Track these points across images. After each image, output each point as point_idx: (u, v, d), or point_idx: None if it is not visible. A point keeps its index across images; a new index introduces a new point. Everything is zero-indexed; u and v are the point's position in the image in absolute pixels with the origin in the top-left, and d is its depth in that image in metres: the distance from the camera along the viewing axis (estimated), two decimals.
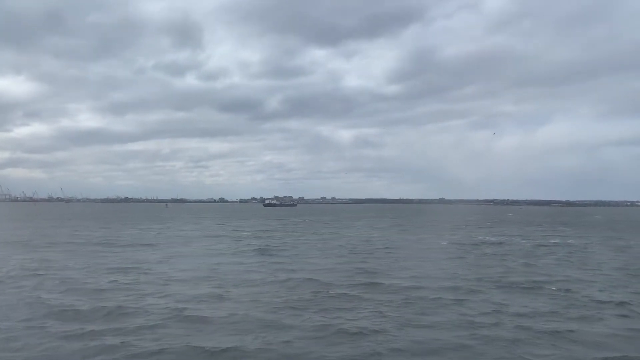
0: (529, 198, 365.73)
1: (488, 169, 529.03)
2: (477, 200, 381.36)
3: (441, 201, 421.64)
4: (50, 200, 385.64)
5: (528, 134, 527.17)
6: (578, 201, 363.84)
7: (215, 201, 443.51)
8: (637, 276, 23.78)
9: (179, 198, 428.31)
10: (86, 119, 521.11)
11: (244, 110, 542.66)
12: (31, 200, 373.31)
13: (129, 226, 64.51)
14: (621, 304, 17.34)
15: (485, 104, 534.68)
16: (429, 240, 44.30)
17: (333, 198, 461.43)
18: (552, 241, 44.20)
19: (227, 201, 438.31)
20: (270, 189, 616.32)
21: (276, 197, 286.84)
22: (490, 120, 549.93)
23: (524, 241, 43.85)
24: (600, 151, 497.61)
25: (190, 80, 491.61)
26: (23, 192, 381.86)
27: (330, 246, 37.98)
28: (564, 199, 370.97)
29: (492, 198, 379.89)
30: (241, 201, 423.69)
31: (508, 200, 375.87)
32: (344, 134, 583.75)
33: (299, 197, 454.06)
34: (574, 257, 31.42)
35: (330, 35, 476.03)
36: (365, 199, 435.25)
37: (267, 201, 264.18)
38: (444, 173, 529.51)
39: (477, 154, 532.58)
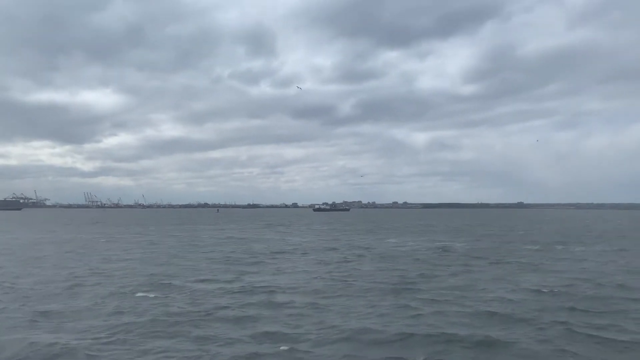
0: (616, 202, 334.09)
1: (572, 171, 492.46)
2: (559, 205, 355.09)
3: (519, 205, 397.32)
4: (133, 206, 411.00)
5: (617, 133, 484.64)
6: None
7: (287, 206, 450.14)
8: None
9: (253, 203, 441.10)
10: (168, 128, 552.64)
11: (317, 115, 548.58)
12: (116, 206, 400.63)
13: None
14: None
15: (569, 102, 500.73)
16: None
17: (405, 203, 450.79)
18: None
19: (298, 206, 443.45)
20: (343, 194, 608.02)
21: (326, 203, 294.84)
22: (576, 119, 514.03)
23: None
24: None
25: (265, 88, 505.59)
26: (109, 199, 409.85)
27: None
28: None
29: (575, 202, 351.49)
30: (311, 206, 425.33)
31: (593, 204, 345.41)
32: (419, 136, 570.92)
33: (369, 202, 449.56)
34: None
35: (402, 36, 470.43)
36: (438, 203, 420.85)
37: (316, 206, 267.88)
38: (524, 176, 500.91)
39: (561, 156, 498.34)
